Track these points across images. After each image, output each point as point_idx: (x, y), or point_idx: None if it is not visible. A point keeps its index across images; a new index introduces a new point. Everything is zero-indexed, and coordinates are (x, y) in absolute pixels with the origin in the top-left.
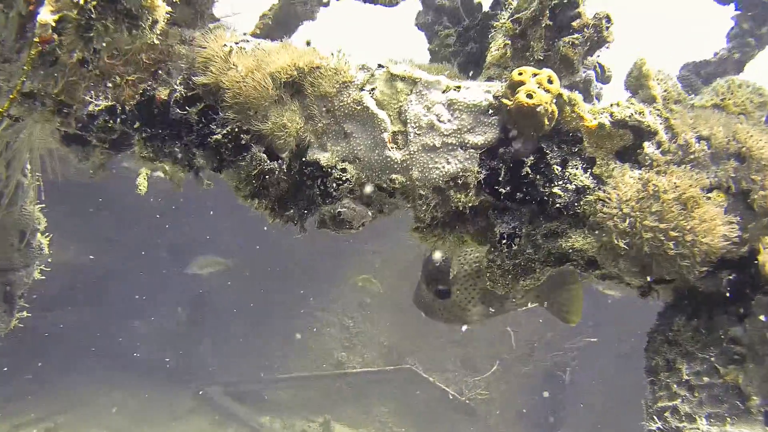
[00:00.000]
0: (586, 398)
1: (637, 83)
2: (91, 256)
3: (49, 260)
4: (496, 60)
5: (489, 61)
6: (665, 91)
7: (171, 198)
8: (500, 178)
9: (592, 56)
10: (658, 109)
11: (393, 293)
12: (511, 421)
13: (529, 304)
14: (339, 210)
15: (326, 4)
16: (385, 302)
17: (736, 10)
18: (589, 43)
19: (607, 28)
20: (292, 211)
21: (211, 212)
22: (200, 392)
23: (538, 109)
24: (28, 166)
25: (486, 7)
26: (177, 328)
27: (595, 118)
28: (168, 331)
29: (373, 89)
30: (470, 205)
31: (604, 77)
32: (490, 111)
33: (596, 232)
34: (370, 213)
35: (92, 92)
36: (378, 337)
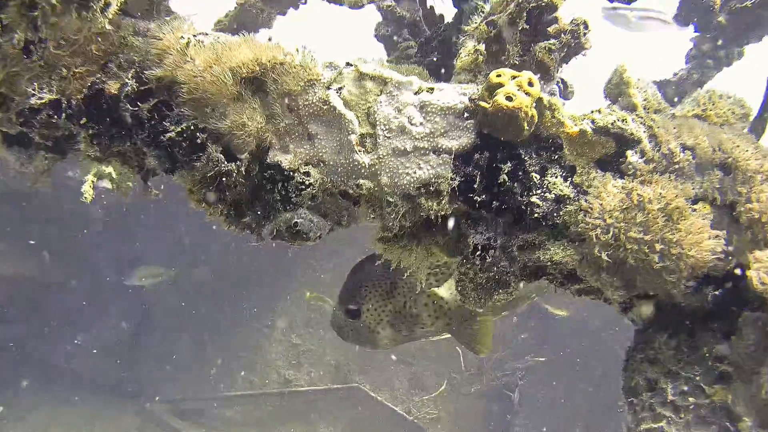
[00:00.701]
0: (536, 418)
1: (616, 91)
2: (32, 266)
3: None
4: (467, 65)
5: (459, 66)
6: (645, 99)
7: (116, 206)
8: (475, 186)
9: (567, 63)
10: (641, 117)
11: None
12: None
13: (440, 334)
14: (296, 220)
15: (283, 13)
16: None
17: (695, 32)
18: (565, 49)
19: (585, 34)
20: (249, 217)
21: (154, 220)
22: (146, 405)
23: (517, 113)
24: None
25: (448, 19)
26: (120, 342)
27: (576, 125)
28: (111, 345)
29: (340, 88)
30: (442, 213)
31: (566, 93)
32: (466, 114)
33: (577, 244)
34: (328, 224)
35: (36, 84)
36: (325, 355)
